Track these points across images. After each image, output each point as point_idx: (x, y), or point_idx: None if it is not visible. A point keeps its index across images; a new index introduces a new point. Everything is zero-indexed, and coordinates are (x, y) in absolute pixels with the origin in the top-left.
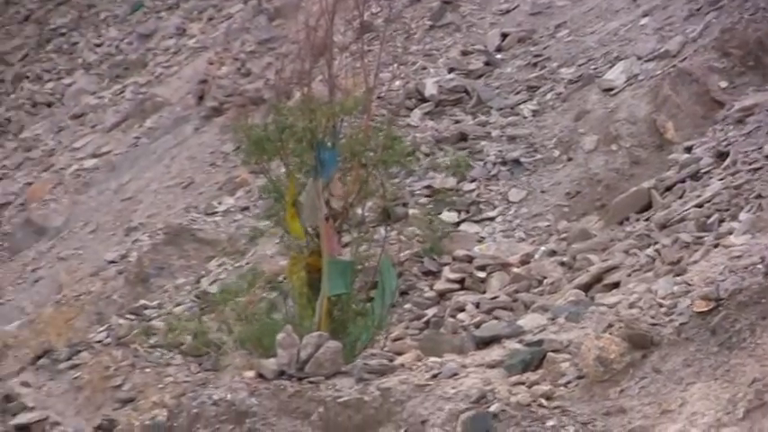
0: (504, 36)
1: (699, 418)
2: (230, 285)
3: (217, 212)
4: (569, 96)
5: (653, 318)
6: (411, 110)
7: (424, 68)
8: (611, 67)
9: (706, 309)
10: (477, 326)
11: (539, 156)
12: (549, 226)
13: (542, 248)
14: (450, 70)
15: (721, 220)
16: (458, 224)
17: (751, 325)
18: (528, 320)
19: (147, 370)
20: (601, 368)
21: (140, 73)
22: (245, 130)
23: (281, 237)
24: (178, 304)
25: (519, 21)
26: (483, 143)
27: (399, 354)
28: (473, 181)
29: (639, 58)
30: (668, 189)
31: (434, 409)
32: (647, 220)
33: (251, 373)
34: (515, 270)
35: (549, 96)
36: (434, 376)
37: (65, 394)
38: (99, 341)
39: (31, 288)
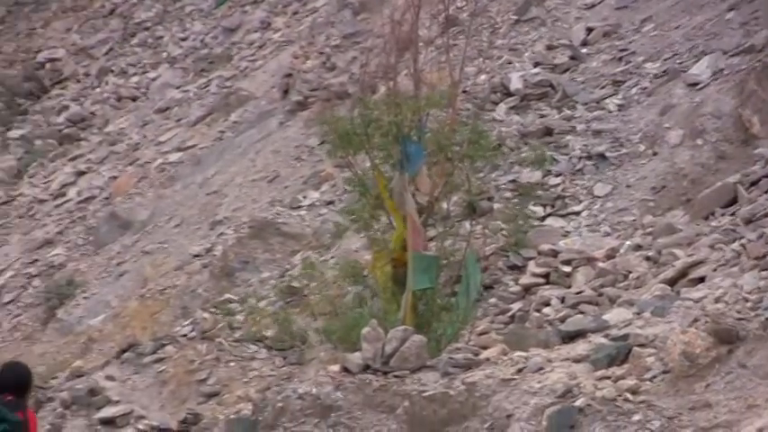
0: (590, 30)
1: None
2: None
3: (302, 206)
4: (654, 91)
5: (738, 312)
6: (496, 104)
7: (510, 63)
8: (696, 62)
9: None
10: (563, 320)
11: (624, 150)
12: (634, 220)
13: (628, 243)
14: (536, 65)
15: None
16: (543, 218)
17: None
18: (613, 315)
19: (232, 364)
20: (686, 363)
21: (225, 67)
22: (332, 122)
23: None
24: (263, 298)
25: (604, 15)
26: (568, 137)
27: (485, 348)
28: (558, 175)
29: (725, 53)
30: (754, 184)
31: (520, 403)
32: (732, 214)
33: (336, 367)
34: (601, 264)
35: (634, 91)
36: (520, 370)
37: (149, 388)
38: (184, 335)
39: (116, 282)
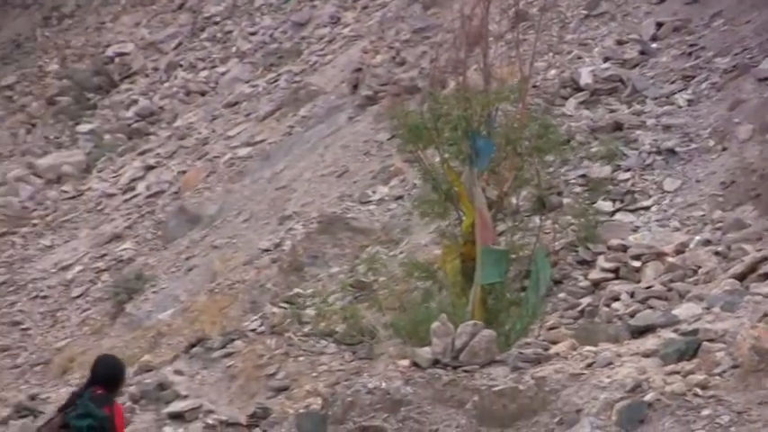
0: (660, 25)
1: None
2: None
3: (371, 201)
4: (724, 86)
5: None
6: (566, 99)
7: (579, 58)
8: (766, 57)
9: None
10: (632, 315)
11: (693, 145)
12: (703, 215)
13: (697, 238)
14: (606, 59)
15: None
16: (612, 213)
17: None
18: (683, 310)
19: (301, 358)
20: (756, 358)
21: (295, 62)
22: (401, 117)
23: (435, 226)
24: (332, 293)
25: (674, 10)
26: (638, 132)
27: (554, 343)
28: (628, 170)
29: None
30: None
31: (589, 398)
32: None
33: (405, 362)
34: (670, 259)
35: (704, 86)
36: (589, 365)
37: (218, 382)
38: (253, 329)
39: (185, 276)
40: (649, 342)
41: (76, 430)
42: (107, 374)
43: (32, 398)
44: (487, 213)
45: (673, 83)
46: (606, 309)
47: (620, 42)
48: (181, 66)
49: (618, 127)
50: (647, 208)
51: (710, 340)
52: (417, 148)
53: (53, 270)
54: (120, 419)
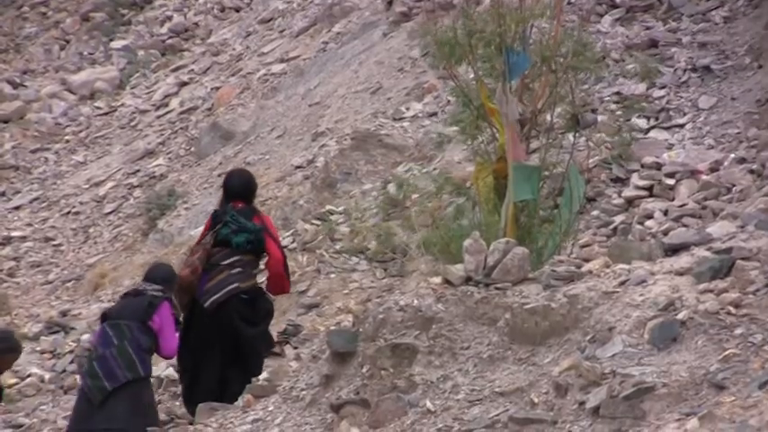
0: None
1: None
2: (418, 190)
3: (404, 118)
4: (761, 3)
5: None
6: (601, 16)
7: None
8: None
9: None
10: (665, 233)
11: (729, 63)
12: (738, 133)
13: (732, 156)
14: None
15: None
16: (647, 131)
17: None
18: (717, 228)
19: (332, 275)
20: None
21: None
22: (434, 33)
23: (468, 143)
24: (364, 210)
25: None
26: (673, 50)
27: (587, 260)
28: (663, 87)
29: None
30: None
31: (622, 316)
32: None
33: (437, 279)
34: (704, 177)
35: (740, 3)
36: (622, 283)
37: None
38: (284, 246)
39: (218, 193)
40: (683, 260)
41: (235, 246)
42: (242, 186)
43: (64, 314)
44: (519, 129)
45: (708, 0)
46: (639, 227)
47: None
48: None
49: (653, 44)
50: (681, 126)
51: (744, 258)
52: (450, 65)
53: (86, 186)
54: (272, 227)
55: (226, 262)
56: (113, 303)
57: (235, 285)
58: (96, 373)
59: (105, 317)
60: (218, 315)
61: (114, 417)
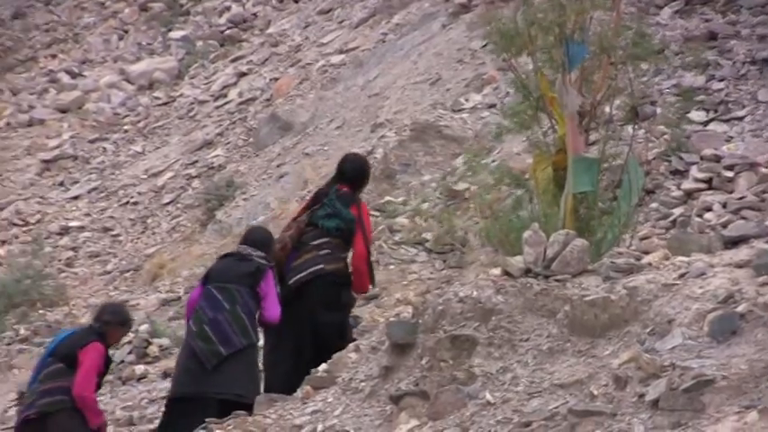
0: None
1: None
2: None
3: (464, 109)
4: None
5: None
6: (660, 8)
7: None
8: None
9: None
10: (724, 226)
11: None
12: None
13: None
14: None
15: None
16: (706, 123)
17: None
18: None
19: (392, 267)
20: None
21: None
22: (494, 23)
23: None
24: (423, 201)
25: None
26: (732, 42)
27: (646, 253)
28: (722, 80)
29: None
30: None
31: (681, 308)
32: None
33: (497, 271)
34: (763, 170)
35: None
36: (682, 276)
37: None
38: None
39: (276, 183)
40: (742, 253)
41: (324, 230)
42: (354, 171)
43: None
44: (578, 120)
45: None
46: (698, 219)
47: None
48: None
49: (712, 36)
50: (740, 118)
51: None
52: (510, 56)
53: (144, 176)
54: (367, 219)
55: (314, 243)
56: (214, 265)
57: (320, 266)
58: (209, 336)
59: (208, 278)
60: (299, 295)
61: (229, 383)
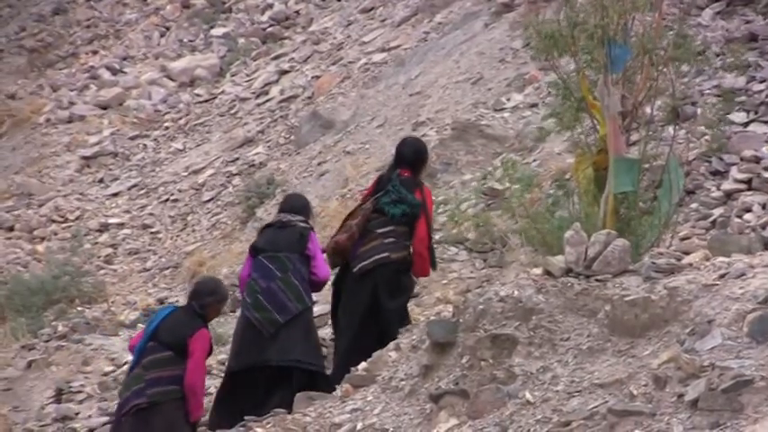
0: None
1: None
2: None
3: (505, 109)
4: None
5: None
6: (702, 9)
7: None
8: None
9: None
10: (764, 226)
11: None
12: None
13: None
14: None
15: None
16: (746, 124)
17: None
18: None
19: None
20: None
21: None
22: (536, 24)
23: (569, 134)
24: (464, 200)
25: None
26: None
27: (686, 253)
28: (762, 81)
29: None
30: None
31: (721, 309)
32: None
33: (537, 270)
34: None
35: None
36: (722, 276)
37: None
38: None
39: (317, 182)
40: None
41: (390, 217)
42: (413, 154)
43: (161, 302)
44: (620, 121)
45: None
46: (738, 220)
47: None
48: None
49: (753, 38)
50: None
51: None
52: (552, 57)
53: (184, 173)
54: (430, 203)
55: (380, 230)
56: (259, 237)
57: (385, 255)
58: (264, 305)
59: (256, 250)
60: (363, 282)
61: (289, 349)
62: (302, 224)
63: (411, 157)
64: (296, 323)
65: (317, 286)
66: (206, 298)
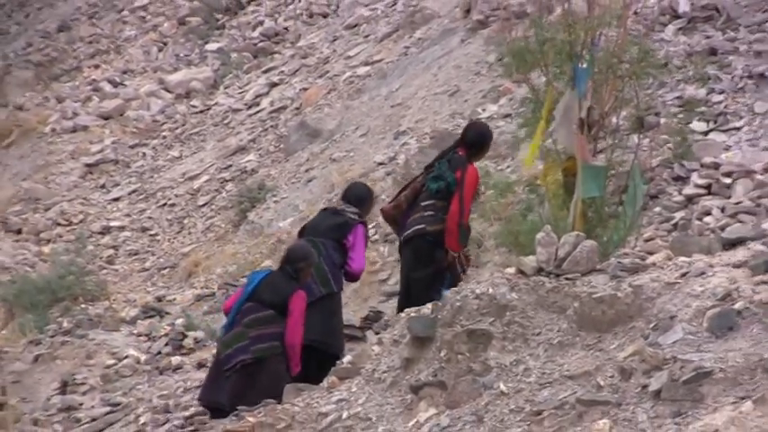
0: None
1: None
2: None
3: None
4: None
5: None
6: (665, 25)
7: None
8: None
9: None
10: (723, 229)
11: None
12: None
13: None
14: None
15: None
16: (706, 133)
17: None
18: None
19: None
20: None
21: None
22: (507, 43)
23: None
24: None
25: None
26: (731, 58)
27: (650, 253)
28: (721, 93)
29: None
30: None
31: (683, 305)
32: None
33: (511, 270)
34: (759, 177)
35: None
36: (683, 275)
37: None
38: (369, 237)
39: (305, 187)
40: (740, 254)
41: (429, 191)
42: (474, 137)
43: (159, 299)
44: (581, 133)
45: (765, 11)
46: (698, 222)
47: None
48: None
49: (713, 52)
50: (738, 128)
51: None
52: (523, 72)
53: (181, 180)
54: (471, 181)
55: (423, 204)
56: (311, 219)
57: (421, 227)
58: None
59: (304, 231)
60: (405, 250)
61: (308, 328)
62: (352, 215)
63: (470, 138)
64: (316, 305)
65: (351, 277)
66: (299, 263)
